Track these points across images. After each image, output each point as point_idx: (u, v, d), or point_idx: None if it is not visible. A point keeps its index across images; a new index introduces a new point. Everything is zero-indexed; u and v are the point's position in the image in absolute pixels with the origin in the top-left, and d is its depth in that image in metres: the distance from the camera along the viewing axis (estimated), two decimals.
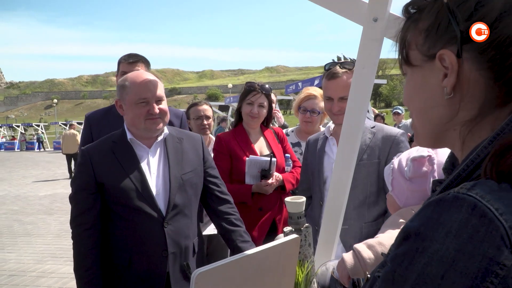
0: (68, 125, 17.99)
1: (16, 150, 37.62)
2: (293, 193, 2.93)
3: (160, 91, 1.94)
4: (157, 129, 1.95)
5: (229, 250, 2.16)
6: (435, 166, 1.23)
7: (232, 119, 11.37)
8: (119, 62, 2.86)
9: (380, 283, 0.63)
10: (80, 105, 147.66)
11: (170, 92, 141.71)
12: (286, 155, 2.98)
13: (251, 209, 2.72)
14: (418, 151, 1.29)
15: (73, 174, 2.10)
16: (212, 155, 2.77)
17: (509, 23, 0.63)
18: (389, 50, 0.84)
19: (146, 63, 2.85)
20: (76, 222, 1.90)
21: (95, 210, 1.89)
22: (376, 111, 12.87)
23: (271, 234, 2.63)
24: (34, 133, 44.99)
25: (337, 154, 1.88)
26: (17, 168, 20.49)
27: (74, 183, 1.94)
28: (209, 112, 3.45)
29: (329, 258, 1.88)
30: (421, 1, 0.74)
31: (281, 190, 2.84)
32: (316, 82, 13.27)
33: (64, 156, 15.85)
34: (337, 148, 2.26)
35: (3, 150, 38.26)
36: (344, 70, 2.15)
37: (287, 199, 1.69)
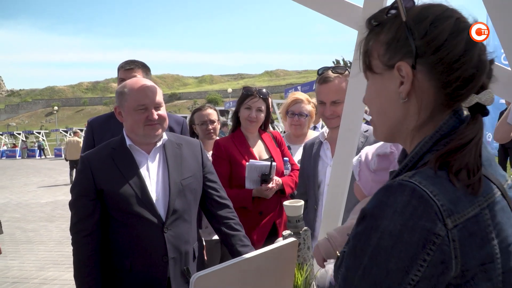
0: (72, 133, 18.16)
1: (17, 157, 37.65)
2: (292, 196, 2.95)
3: (159, 97, 1.96)
4: (156, 135, 1.96)
5: None
6: (396, 162, 1.37)
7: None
8: (118, 69, 2.86)
9: (346, 257, 0.78)
10: (81, 112, 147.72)
11: (170, 98, 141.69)
12: (285, 158, 3.00)
13: (252, 214, 2.73)
14: (382, 147, 1.42)
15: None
16: (211, 160, 2.78)
17: (455, 43, 0.78)
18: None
19: (144, 68, 2.84)
20: (76, 228, 1.91)
21: (95, 217, 1.90)
22: None
23: (272, 238, 2.64)
24: (35, 140, 45.05)
25: (334, 158, 1.90)
26: (19, 175, 20.52)
27: (74, 189, 1.96)
28: (213, 116, 3.34)
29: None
30: (382, 15, 0.87)
31: (280, 193, 2.85)
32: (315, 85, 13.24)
33: (67, 163, 15.99)
34: (331, 152, 2.28)
35: (4, 158, 38.30)
36: (336, 74, 2.18)
37: (286, 202, 1.71)
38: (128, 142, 1.97)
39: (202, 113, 3.35)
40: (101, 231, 1.93)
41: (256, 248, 2.12)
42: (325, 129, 2.47)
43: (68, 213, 1.98)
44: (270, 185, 2.72)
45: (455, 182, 0.73)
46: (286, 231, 1.70)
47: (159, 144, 2.01)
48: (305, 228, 1.71)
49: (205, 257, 2.41)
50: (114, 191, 1.88)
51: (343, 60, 42.25)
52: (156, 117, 1.92)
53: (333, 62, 39.97)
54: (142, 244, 1.90)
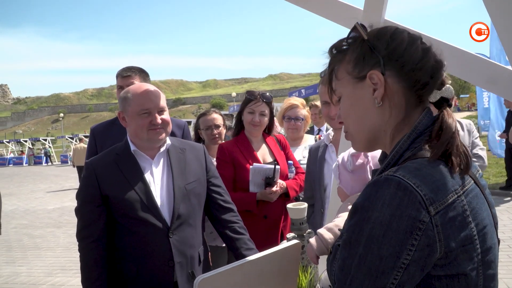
0: (78, 139, 18.47)
1: (24, 164, 37.87)
2: (297, 200, 2.95)
3: (162, 101, 1.97)
4: (160, 140, 1.97)
5: None
6: (369, 158, 1.49)
7: None
8: (116, 76, 2.83)
9: (341, 249, 0.87)
10: (86, 119, 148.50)
11: (174, 103, 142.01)
12: (289, 162, 3.00)
13: (256, 217, 2.74)
14: None
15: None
16: (215, 164, 2.79)
17: (414, 49, 0.92)
18: None
19: (142, 74, 2.83)
20: (82, 234, 1.93)
21: (101, 223, 1.92)
22: None
23: (277, 241, 2.64)
24: (41, 147, 45.30)
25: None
26: (26, 182, 20.63)
27: (79, 195, 1.97)
28: (218, 120, 3.33)
29: None
30: (341, 43, 1.01)
31: (285, 197, 2.85)
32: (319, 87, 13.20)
33: (73, 169, 16.25)
34: (336, 155, 2.28)
35: (11, 165, 38.54)
36: None
37: (289, 205, 1.71)
38: (132, 147, 1.98)
39: (207, 118, 3.34)
40: (108, 236, 1.94)
41: (261, 251, 2.13)
42: (330, 132, 2.47)
43: (75, 219, 2.00)
44: (274, 188, 2.73)
45: (455, 165, 0.85)
46: (290, 233, 1.70)
47: (162, 149, 2.02)
48: (309, 230, 1.71)
49: (210, 263, 2.41)
50: (119, 196, 1.89)
51: None
52: (159, 121, 1.93)
53: None
54: (147, 249, 1.90)
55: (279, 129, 5.89)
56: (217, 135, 3.30)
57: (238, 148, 2.84)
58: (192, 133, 3.62)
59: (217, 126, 3.30)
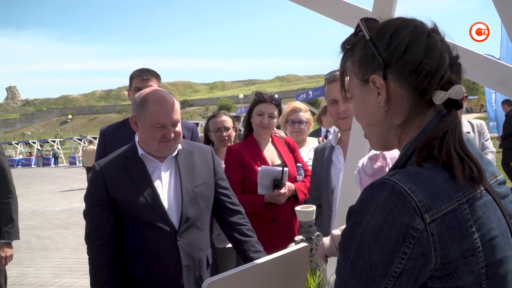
0: (87, 141, 18.95)
1: (33, 166, 38.23)
2: (306, 202, 2.94)
3: (177, 114, 1.94)
4: (169, 151, 1.97)
5: None
6: (388, 160, 1.48)
7: None
8: (132, 77, 2.91)
9: (339, 252, 0.84)
10: (94, 120, 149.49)
11: (182, 105, 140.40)
12: (298, 164, 2.99)
13: (264, 220, 2.73)
14: (373, 150, 1.52)
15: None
16: (224, 166, 2.79)
17: (415, 48, 0.85)
18: None
19: (157, 78, 2.93)
20: (90, 238, 1.93)
21: (109, 226, 1.91)
22: None
23: (285, 244, 2.63)
24: (50, 149, 45.68)
25: (345, 164, 1.89)
26: (34, 183, 20.81)
27: (87, 198, 1.97)
28: (228, 123, 3.35)
29: None
30: (352, 38, 0.96)
31: (293, 199, 2.84)
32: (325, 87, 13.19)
33: (81, 171, 16.61)
34: (343, 157, 2.27)
35: (20, 166, 38.92)
36: None
37: (297, 208, 1.70)
38: (140, 151, 1.97)
39: (216, 120, 3.37)
40: (116, 239, 1.94)
41: (269, 254, 2.12)
42: (337, 133, 2.45)
43: (83, 220, 2.00)
44: (282, 190, 2.71)
45: (458, 174, 0.78)
46: (298, 236, 1.69)
47: (172, 154, 2.02)
48: (317, 233, 1.70)
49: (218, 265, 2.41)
50: (127, 200, 1.89)
51: None
52: (172, 135, 1.91)
53: None
54: (155, 252, 1.90)
55: (282, 134, 5.95)
56: (226, 137, 3.31)
57: (246, 150, 2.83)
58: (201, 134, 3.63)
59: (227, 129, 3.32)
